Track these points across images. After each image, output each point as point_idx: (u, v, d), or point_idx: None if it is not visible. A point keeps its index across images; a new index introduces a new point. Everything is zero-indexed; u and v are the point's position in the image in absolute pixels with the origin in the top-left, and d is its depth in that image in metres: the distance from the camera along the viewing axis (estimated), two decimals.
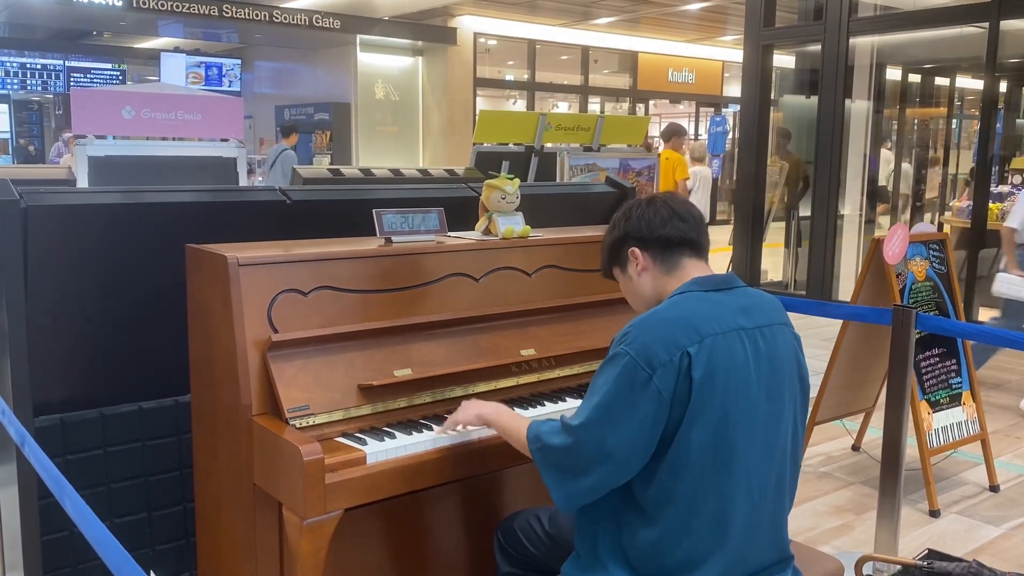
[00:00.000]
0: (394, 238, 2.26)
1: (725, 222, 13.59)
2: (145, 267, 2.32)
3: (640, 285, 1.81)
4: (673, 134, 8.16)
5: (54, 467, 1.61)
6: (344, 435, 1.92)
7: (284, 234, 2.39)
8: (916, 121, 10.51)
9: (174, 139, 4.61)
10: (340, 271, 2.08)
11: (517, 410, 2.12)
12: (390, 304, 2.15)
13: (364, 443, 1.88)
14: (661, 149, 8.89)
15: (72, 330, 2.27)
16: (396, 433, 1.94)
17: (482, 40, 14.80)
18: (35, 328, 2.19)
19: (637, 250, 1.79)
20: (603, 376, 1.64)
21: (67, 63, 15.76)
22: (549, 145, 6.13)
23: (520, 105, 16.10)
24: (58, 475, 1.54)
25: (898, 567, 2.74)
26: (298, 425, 1.87)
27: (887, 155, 9.61)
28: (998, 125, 7.60)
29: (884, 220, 9.28)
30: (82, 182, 3.84)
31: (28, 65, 15.58)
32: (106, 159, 3.90)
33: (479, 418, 1.92)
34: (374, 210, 2.24)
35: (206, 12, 11.89)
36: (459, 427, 1.96)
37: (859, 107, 8.25)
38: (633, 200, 1.87)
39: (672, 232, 1.76)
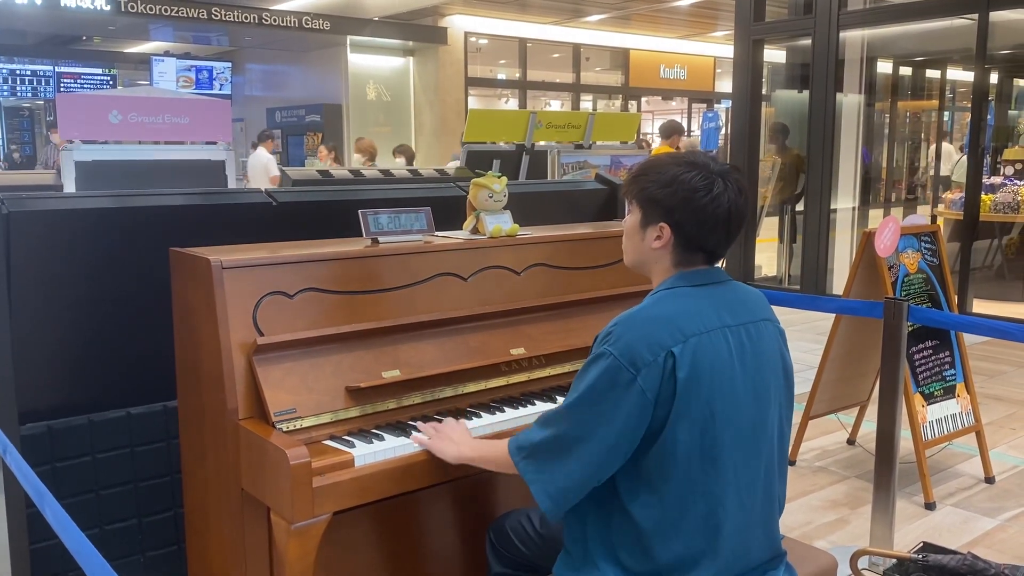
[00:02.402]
0: (381, 239, 2.24)
1: None
2: (131, 271, 2.30)
3: (644, 248, 1.72)
4: (672, 132, 8.16)
5: (35, 476, 1.59)
6: (332, 438, 1.90)
7: (271, 236, 2.38)
8: (908, 114, 10.52)
9: (165, 143, 4.59)
10: (326, 273, 2.07)
11: (507, 410, 2.11)
12: (377, 305, 2.14)
13: (352, 446, 1.86)
14: (656, 145, 8.88)
15: (58, 336, 2.25)
16: (385, 435, 1.92)
17: (473, 39, 14.79)
18: (20, 335, 2.17)
19: (668, 229, 1.67)
20: (586, 375, 1.61)
21: (57, 69, 15.72)
22: (540, 143, 6.11)
23: (512, 104, 16.10)
24: (39, 484, 1.52)
25: (893, 561, 2.74)
26: (285, 428, 1.85)
27: (949, 148, 9.89)
28: (989, 116, 7.60)
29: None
30: (69, 187, 3.82)
31: (18, 71, 15.53)
32: (93, 164, 3.88)
33: (458, 458, 1.87)
34: (360, 211, 2.23)
35: (195, 15, 11.87)
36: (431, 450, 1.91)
37: (851, 101, 8.25)
38: (704, 174, 1.64)
39: (711, 242, 1.67)
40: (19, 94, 15.80)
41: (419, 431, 1.95)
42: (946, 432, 3.76)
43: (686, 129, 17.11)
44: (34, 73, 15.61)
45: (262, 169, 9.67)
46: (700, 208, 1.63)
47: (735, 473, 1.61)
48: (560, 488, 1.63)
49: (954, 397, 3.85)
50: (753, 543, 1.68)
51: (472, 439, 1.91)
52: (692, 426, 1.57)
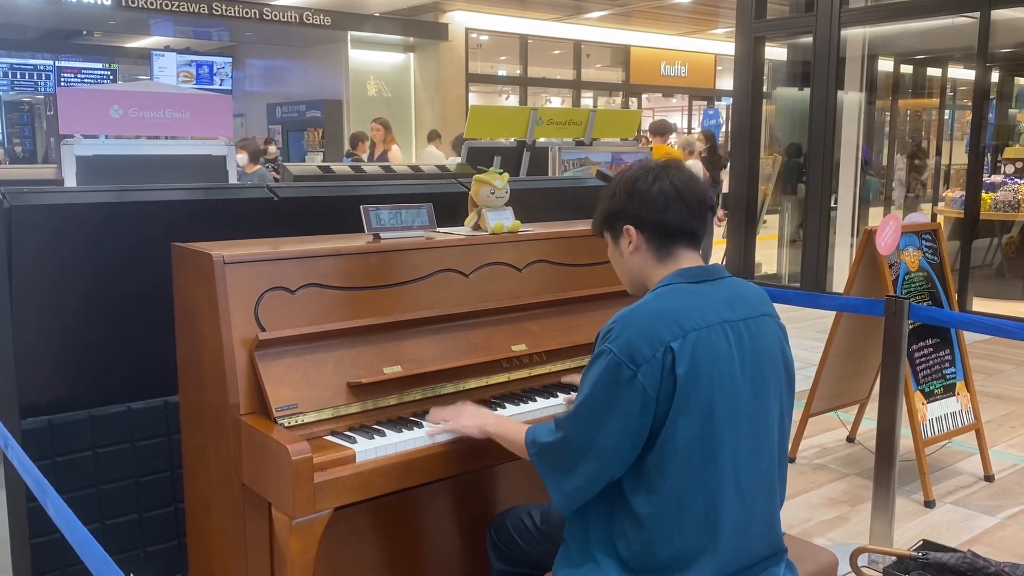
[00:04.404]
0: (382, 234, 2.24)
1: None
2: (133, 266, 2.30)
3: (629, 263, 1.76)
4: (666, 131, 8.21)
5: (37, 470, 1.59)
6: (333, 433, 1.90)
7: (273, 232, 2.38)
8: (908, 112, 10.51)
9: (166, 138, 4.59)
10: (327, 268, 2.07)
11: (508, 406, 2.11)
12: (379, 301, 2.14)
13: (354, 441, 1.86)
14: (653, 144, 8.90)
15: (59, 331, 2.25)
16: (386, 431, 1.92)
17: (474, 35, 14.77)
18: (21, 329, 2.17)
19: (632, 229, 1.72)
20: (589, 374, 1.64)
21: (57, 63, 15.70)
22: (541, 140, 6.10)
23: (513, 100, 16.09)
24: (40, 478, 1.52)
25: (893, 558, 2.74)
26: (286, 424, 1.85)
27: None
28: (990, 115, 7.60)
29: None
30: (70, 182, 3.81)
31: (18, 66, 15.52)
32: (93, 158, 3.87)
33: (481, 431, 1.90)
34: (361, 206, 2.22)
35: (196, 10, 11.85)
36: (454, 432, 1.94)
37: (851, 99, 8.25)
38: (640, 167, 1.74)
39: (672, 218, 1.69)
40: (19, 89, 15.78)
41: (427, 424, 1.96)
42: (946, 430, 3.77)
43: (687, 127, 17.19)
44: (35, 68, 15.60)
45: None
46: (645, 192, 1.69)
47: (735, 468, 1.62)
48: (572, 486, 1.65)
49: (954, 395, 3.85)
50: (753, 539, 1.68)
51: (492, 414, 1.93)
52: (692, 421, 1.57)
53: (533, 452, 1.72)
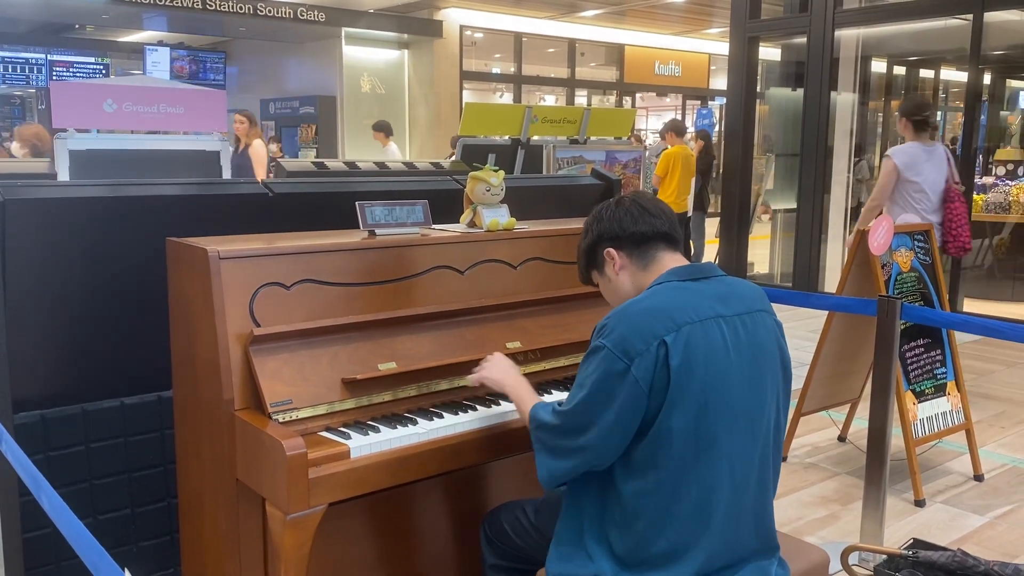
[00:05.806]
0: (377, 231, 2.24)
1: (714, 214, 13.63)
2: (127, 261, 2.29)
3: (620, 284, 1.83)
4: (685, 131, 8.28)
5: (31, 464, 1.59)
6: (328, 429, 1.91)
7: (268, 227, 2.38)
8: None
9: (160, 132, 4.57)
10: (323, 264, 2.07)
11: (503, 403, 2.11)
12: (374, 297, 2.14)
13: (348, 437, 1.87)
14: (664, 143, 8.91)
15: (53, 325, 2.24)
16: (380, 427, 1.93)
17: (468, 33, 14.75)
18: (14, 323, 2.17)
19: (612, 250, 1.82)
20: (585, 369, 1.67)
21: (49, 57, 15.60)
22: (535, 138, 6.10)
23: (507, 98, 16.09)
24: (35, 471, 1.52)
25: (883, 557, 2.75)
26: (281, 420, 1.85)
27: None
28: (982, 117, 7.64)
29: None
30: (63, 176, 3.80)
31: (9, 59, 15.42)
32: (87, 152, 3.86)
33: (500, 387, 1.98)
34: (357, 203, 2.22)
35: (189, 5, 11.81)
36: (482, 382, 2.03)
37: (844, 99, 8.27)
38: (601, 204, 1.88)
39: (645, 228, 1.79)
40: (10, 82, 15.68)
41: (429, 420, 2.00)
42: (936, 430, 3.78)
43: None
44: (26, 61, 15.49)
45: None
46: (612, 214, 1.82)
47: (729, 461, 1.63)
48: (556, 468, 1.70)
49: (945, 395, 3.87)
50: (745, 532, 1.70)
51: (518, 376, 2.00)
52: (686, 414, 1.59)
53: (532, 427, 1.77)
